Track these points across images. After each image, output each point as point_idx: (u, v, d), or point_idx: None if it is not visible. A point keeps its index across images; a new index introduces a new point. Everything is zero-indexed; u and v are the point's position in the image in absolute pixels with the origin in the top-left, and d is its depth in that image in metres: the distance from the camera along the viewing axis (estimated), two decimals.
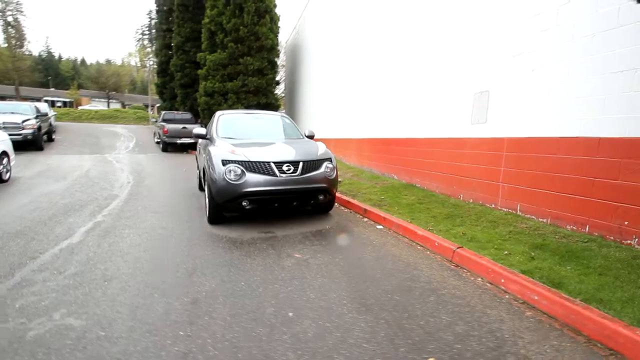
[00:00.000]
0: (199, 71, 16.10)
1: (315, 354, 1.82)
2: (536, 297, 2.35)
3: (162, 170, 9.72)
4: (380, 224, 4.38)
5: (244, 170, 3.85)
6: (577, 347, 1.93)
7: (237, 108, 15.30)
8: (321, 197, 4.31)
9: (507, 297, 2.51)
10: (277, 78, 17.81)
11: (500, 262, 2.82)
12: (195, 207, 5.24)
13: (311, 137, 5.46)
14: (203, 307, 2.29)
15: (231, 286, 2.61)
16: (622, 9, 3.18)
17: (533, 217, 4.09)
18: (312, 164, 4.18)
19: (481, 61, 4.88)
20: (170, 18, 21.15)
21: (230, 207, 3.99)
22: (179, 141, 15.06)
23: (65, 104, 39.28)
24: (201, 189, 6.48)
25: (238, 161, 3.91)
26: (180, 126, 15.18)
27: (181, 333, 2.00)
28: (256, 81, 15.53)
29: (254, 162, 3.92)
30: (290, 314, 2.22)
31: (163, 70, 21.60)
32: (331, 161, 4.45)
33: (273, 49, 16.20)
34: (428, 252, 3.42)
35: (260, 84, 15.77)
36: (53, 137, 15.53)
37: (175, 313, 2.22)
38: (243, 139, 4.76)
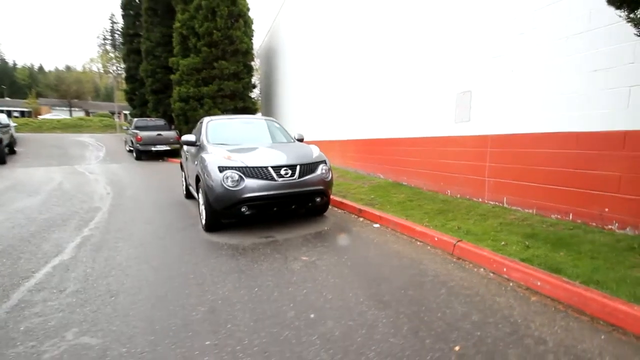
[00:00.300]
0: (172, 76, 15.66)
1: (347, 352, 1.86)
2: (539, 283, 2.51)
3: (140, 180, 9.38)
4: (376, 223, 4.48)
5: (242, 175, 3.82)
6: (583, 325, 2.09)
7: (214, 113, 15.05)
8: (318, 199, 4.36)
9: (511, 284, 2.66)
10: (253, 81, 17.60)
11: (500, 253, 2.99)
12: (187, 215, 5.12)
13: (300, 140, 5.49)
14: (223, 315, 2.27)
15: (246, 292, 2.59)
16: (593, 13, 3.46)
17: (519, 208, 4.33)
18: (309, 167, 4.22)
19: (463, 63, 5.11)
20: (137, 22, 20.45)
21: (228, 213, 3.94)
22: (154, 149, 14.61)
23: (22, 114, 36.84)
24: (188, 197, 6.35)
25: (235, 167, 3.87)
26: (154, 133, 14.72)
27: (207, 343, 1.98)
28: (232, 85, 15.33)
29: (252, 167, 3.90)
30: (312, 316, 2.24)
31: (131, 76, 20.82)
32: (326, 163, 4.50)
33: (248, 53, 16.06)
34: (429, 247, 3.54)
35: (237, 88, 15.58)
36: (15, 149, 14.57)
37: (195, 323, 2.18)
38: (235, 144, 4.71)
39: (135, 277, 2.91)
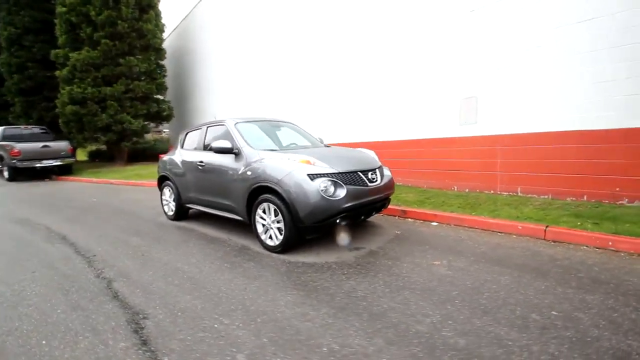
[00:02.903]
0: (58, 72, 12.48)
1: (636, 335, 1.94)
2: None
3: (56, 206, 7.15)
4: (433, 221, 4.61)
5: (340, 183, 3.40)
6: None
7: (121, 118, 12.61)
8: (386, 204, 4.23)
9: (622, 254, 3.18)
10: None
11: (592, 231, 3.52)
12: (212, 240, 4.22)
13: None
14: (482, 335, 2.02)
15: (455, 307, 2.35)
16: (596, 38, 4.43)
17: (535, 195, 5.14)
18: (382, 170, 4.06)
19: (467, 72, 5.74)
20: None
21: (318, 227, 3.44)
22: (39, 165, 11.26)
23: None
24: (179, 218, 5.23)
25: (328, 174, 3.41)
26: (38, 145, 11.36)
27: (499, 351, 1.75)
28: (144, 86, 13.20)
29: (344, 173, 3.51)
30: (555, 313, 2.22)
31: None
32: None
33: (161, 50, 14.09)
34: (514, 237, 3.87)
35: (150, 89, 13.50)
36: None
37: (475, 344, 1.89)
38: (284, 149, 4.17)
39: (309, 321, 2.28)
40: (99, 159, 17.25)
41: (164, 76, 14.56)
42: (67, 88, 12.09)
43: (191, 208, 5.14)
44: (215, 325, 2.26)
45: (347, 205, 3.38)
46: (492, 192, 5.61)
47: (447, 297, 2.51)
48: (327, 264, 3.27)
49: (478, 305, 2.38)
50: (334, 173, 3.45)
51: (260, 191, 3.69)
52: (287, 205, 3.39)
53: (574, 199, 4.79)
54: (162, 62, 14.52)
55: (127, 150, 14.33)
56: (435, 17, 6.09)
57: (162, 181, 5.54)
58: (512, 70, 5.23)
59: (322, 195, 3.28)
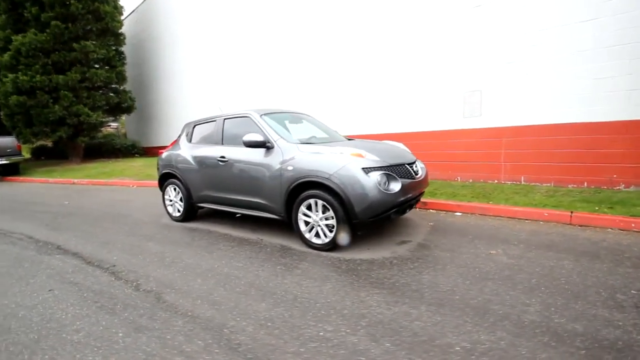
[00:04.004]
0: None
1: None
2: None
3: (24, 212, 6.28)
4: (457, 212, 4.74)
5: (392, 176, 3.32)
6: None
7: (77, 110, 11.30)
8: (421, 197, 4.24)
9: None
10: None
11: (613, 214, 3.84)
12: (241, 242, 3.95)
13: None
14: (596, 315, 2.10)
15: (547, 293, 2.42)
16: (596, 38, 4.80)
17: (537, 183, 5.50)
18: (418, 163, 4.06)
19: (471, 67, 5.93)
20: None
21: (369, 223, 3.35)
22: None
23: None
24: (187, 218, 4.85)
25: (381, 167, 3.32)
26: None
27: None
28: (103, 74, 11.96)
29: (395, 165, 3.44)
30: (634, 292, 2.37)
31: None
32: None
33: (120, 35, 12.83)
34: (542, 223, 4.10)
35: (109, 78, 12.26)
36: None
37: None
38: (318, 141, 4.00)
39: (417, 320, 2.20)
40: (46, 157, 15.39)
41: (124, 64, 13.28)
42: (11, 76, 10.51)
43: (202, 207, 4.76)
44: (321, 334, 2.09)
45: (402, 198, 3.33)
46: (496, 181, 5.91)
47: (530, 285, 2.57)
48: (387, 259, 3.20)
49: (564, 290, 2.47)
50: (387, 166, 3.37)
51: (304, 187, 3.49)
52: (340, 201, 3.25)
53: (575, 186, 5.20)
54: (121, 49, 13.23)
55: (84, 147, 12.95)
56: (442, 13, 6.20)
57: (164, 179, 5.05)
58: (516, 65, 5.51)
59: (379, 189, 3.18)
